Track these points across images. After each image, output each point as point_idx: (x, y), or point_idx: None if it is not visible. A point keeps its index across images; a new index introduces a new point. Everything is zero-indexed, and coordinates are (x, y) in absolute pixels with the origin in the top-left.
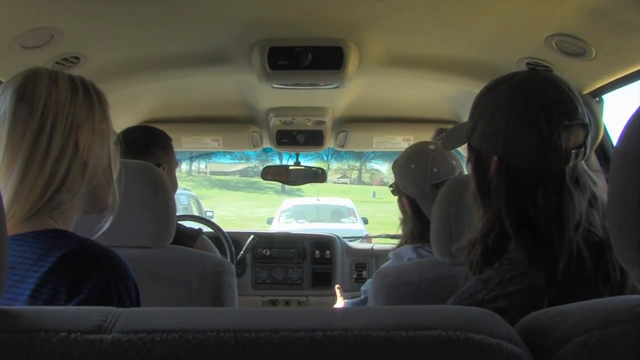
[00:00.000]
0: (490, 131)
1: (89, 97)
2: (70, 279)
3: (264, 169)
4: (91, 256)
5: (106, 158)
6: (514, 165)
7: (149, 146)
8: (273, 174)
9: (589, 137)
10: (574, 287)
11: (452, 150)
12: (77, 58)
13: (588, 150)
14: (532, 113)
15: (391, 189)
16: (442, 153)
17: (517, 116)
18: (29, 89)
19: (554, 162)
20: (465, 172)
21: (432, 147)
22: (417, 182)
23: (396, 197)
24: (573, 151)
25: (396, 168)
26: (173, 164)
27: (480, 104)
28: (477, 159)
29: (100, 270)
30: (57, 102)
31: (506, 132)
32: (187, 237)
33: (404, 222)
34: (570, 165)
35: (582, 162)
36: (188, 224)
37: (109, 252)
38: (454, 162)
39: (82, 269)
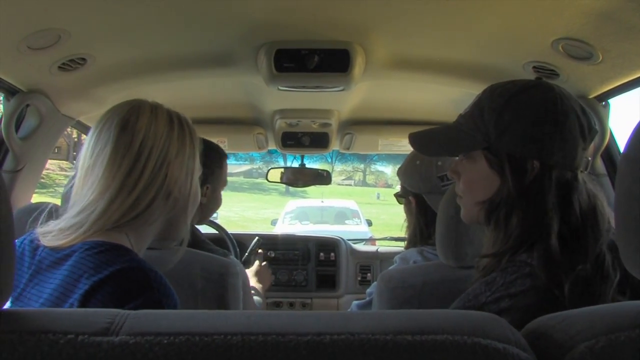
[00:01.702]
0: (532, 136)
1: (183, 135)
2: (119, 291)
3: (269, 170)
4: (144, 276)
5: (188, 192)
6: (555, 170)
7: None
8: (278, 175)
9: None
10: (578, 291)
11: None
12: (83, 59)
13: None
14: (578, 122)
15: (397, 196)
16: None
17: (569, 124)
18: (132, 120)
19: (582, 168)
20: None
21: None
22: (423, 176)
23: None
24: (589, 159)
25: (402, 169)
26: (220, 183)
27: (511, 108)
28: (512, 164)
29: (149, 290)
30: (155, 136)
31: (552, 137)
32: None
33: (409, 224)
34: (587, 171)
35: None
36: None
37: (161, 277)
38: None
39: (133, 286)
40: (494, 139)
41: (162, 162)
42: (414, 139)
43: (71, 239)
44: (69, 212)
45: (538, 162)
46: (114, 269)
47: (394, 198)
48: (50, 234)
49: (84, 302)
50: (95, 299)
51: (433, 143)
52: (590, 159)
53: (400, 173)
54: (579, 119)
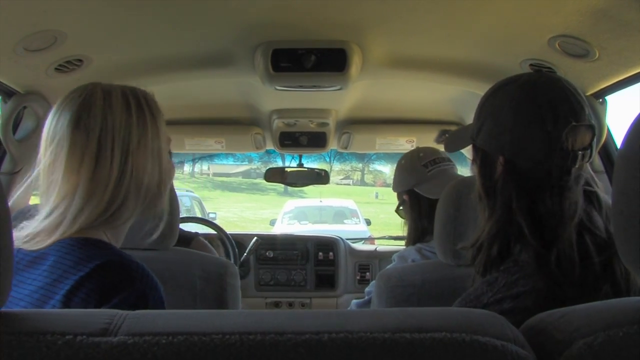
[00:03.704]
0: (497, 131)
1: (143, 117)
2: (103, 287)
3: (267, 170)
4: (127, 269)
5: (158, 172)
6: (520, 166)
7: None
8: (276, 175)
9: (595, 138)
10: (580, 289)
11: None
12: (80, 60)
13: (594, 151)
14: (538, 114)
15: (397, 210)
16: (426, 147)
17: (523, 117)
18: (84, 117)
19: (560, 163)
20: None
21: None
22: (408, 169)
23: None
24: (579, 152)
25: (394, 179)
26: None
27: (486, 104)
28: (483, 159)
29: (133, 283)
30: (112, 129)
31: (512, 133)
32: (182, 240)
33: (407, 223)
34: (577, 166)
35: (587, 164)
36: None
37: (144, 269)
38: (439, 150)
39: (116, 280)
40: (475, 135)
41: (126, 154)
42: (446, 139)
43: (47, 244)
44: (40, 214)
45: (502, 158)
46: (95, 265)
47: (393, 197)
48: (24, 238)
49: (67, 301)
50: (77, 297)
51: (450, 139)
52: (580, 153)
53: (394, 182)
54: (540, 115)
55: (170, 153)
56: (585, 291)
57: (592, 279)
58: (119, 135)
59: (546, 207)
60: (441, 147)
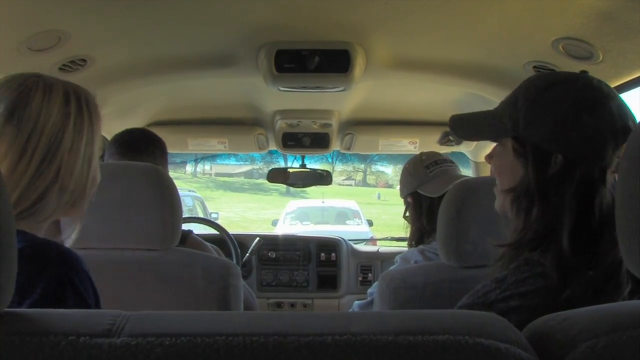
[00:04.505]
0: (559, 130)
1: (81, 119)
2: (20, 279)
3: (270, 171)
4: (41, 254)
5: (85, 177)
6: (580, 167)
7: (149, 146)
8: (278, 176)
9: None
10: (603, 292)
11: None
12: (84, 60)
13: None
14: (612, 122)
15: (405, 216)
16: (429, 151)
17: (599, 122)
18: (19, 109)
19: (610, 167)
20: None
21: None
22: (412, 172)
23: (402, 201)
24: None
25: (400, 185)
26: (166, 170)
27: (539, 98)
28: (536, 155)
29: (51, 267)
30: (43, 128)
31: (581, 135)
32: None
33: (411, 224)
34: (614, 171)
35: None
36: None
37: (59, 248)
38: (442, 153)
39: (32, 268)
40: (522, 129)
41: (53, 155)
42: (454, 120)
43: None
44: None
45: (562, 156)
46: None
47: (395, 198)
48: None
49: None
50: None
51: (468, 124)
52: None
53: (400, 188)
54: (612, 118)
55: (102, 158)
56: (592, 298)
57: (619, 282)
58: (48, 135)
59: (601, 210)
60: (442, 149)
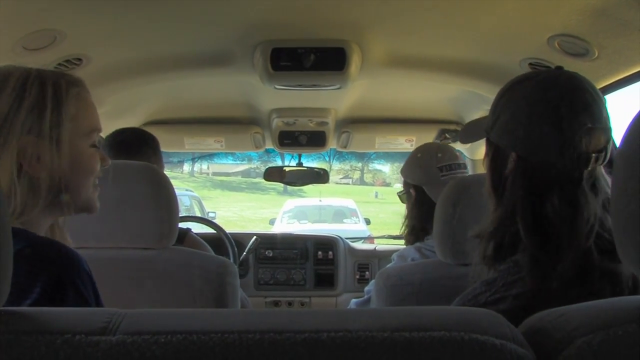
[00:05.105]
0: (511, 127)
1: (42, 102)
2: (19, 279)
3: (267, 170)
4: (41, 254)
5: (58, 162)
6: (532, 164)
7: (141, 146)
8: (275, 175)
9: (611, 141)
10: (578, 292)
11: (458, 154)
12: (79, 59)
13: (608, 154)
14: (555, 113)
15: (399, 194)
16: (446, 145)
17: (539, 114)
18: None
19: (573, 164)
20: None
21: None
22: (422, 167)
23: (399, 199)
24: (593, 155)
25: (404, 164)
26: (162, 167)
27: (503, 99)
28: (495, 154)
29: (51, 267)
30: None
31: (527, 130)
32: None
33: (408, 219)
34: (589, 169)
35: (601, 166)
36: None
37: (60, 248)
38: (458, 154)
39: (32, 268)
40: (489, 129)
41: (9, 143)
42: (462, 129)
43: None
44: None
45: (516, 154)
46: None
47: (392, 197)
48: None
49: None
50: None
51: (465, 131)
52: (594, 156)
53: (403, 168)
54: (573, 114)
55: (96, 146)
56: (582, 294)
57: (594, 282)
58: (6, 121)
59: (553, 208)
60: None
